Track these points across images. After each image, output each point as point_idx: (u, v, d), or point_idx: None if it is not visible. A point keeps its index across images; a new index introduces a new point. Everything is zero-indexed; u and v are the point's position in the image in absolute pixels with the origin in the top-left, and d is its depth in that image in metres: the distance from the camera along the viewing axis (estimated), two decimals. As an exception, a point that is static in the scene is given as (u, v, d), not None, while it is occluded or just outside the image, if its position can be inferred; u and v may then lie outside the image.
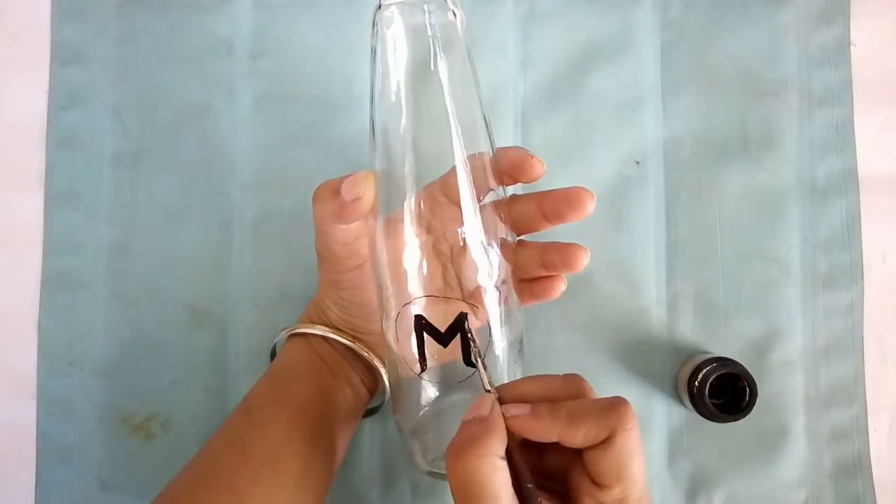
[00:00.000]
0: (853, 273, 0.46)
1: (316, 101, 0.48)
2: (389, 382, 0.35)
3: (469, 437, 0.28)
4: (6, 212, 0.48)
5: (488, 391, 0.30)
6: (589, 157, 0.47)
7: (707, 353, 0.45)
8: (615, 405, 0.28)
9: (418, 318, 0.32)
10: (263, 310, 0.46)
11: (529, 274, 0.37)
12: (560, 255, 0.36)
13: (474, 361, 0.31)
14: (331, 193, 0.33)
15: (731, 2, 0.48)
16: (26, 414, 0.46)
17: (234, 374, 0.46)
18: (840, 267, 0.46)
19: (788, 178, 0.47)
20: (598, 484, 0.28)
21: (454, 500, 0.28)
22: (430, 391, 0.33)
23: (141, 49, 0.48)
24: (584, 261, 0.35)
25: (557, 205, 0.35)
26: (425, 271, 0.32)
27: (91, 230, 0.47)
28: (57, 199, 0.47)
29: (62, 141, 0.48)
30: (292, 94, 0.48)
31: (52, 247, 0.47)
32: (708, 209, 0.47)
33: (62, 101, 0.48)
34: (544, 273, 0.37)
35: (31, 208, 0.47)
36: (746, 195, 0.47)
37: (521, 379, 0.32)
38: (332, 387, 0.39)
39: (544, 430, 0.28)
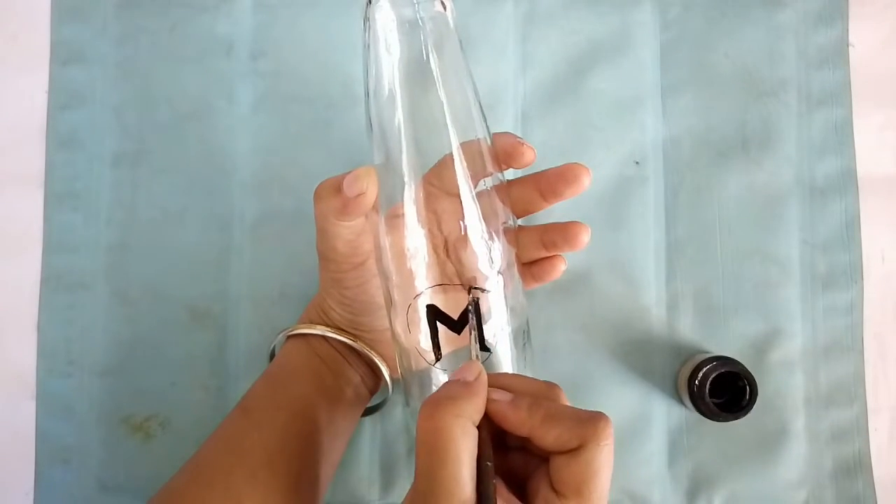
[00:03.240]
0: (852, 273, 0.46)
1: (316, 101, 0.48)
2: (402, 374, 0.35)
3: (449, 395, 0.28)
4: (6, 212, 0.47)
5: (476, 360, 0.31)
6: (589, 156, 0.47)
7: (707, 352, 0.45)
8: (595, 417, 0.28)
9: (430, 307, 0.32)
10: (263, 310, 0.46)
11: (529, 256, 0.37)
12: (561, 233, 0.36)
13: (469, 332, 0.31)
14: (333, 191, 0.33)
15: (730, 3, 0.48)
16: (25, 414, 0.46)
17: (233, 374, 0.46)
18: (839, 267, 0.46)
19: (788, 178, 0.47)
20: (557, 492, 0.27)
21: (417, 454, 0.27)
22: (444, 379, 0.33)
23: (141, 49, 0.48)
24: (585, 237, 0.36)
25: (554, 182, 0.35)
26: (430, 262, 0.32)
27: (91, 230, 0.47)
28: (57, 199, 0.47)
29: (62, 141, 0.48)
30: (292, 94, 0.48)
31: (52, 247, 0.47)
32: (707, 209, 0.47)
33: (62, 101, 0.48)
34: (545, 254, 0.37)
35: (31, 208, 0.47)
36: (746, 195, 0.47)
37: (506, 373, 0.32)
38: (331, 387, 0.39)
39: (519, 422, 0.28)
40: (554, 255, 0.37)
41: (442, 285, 0.32)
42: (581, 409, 0.29)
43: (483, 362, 0.32)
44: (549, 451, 0.28)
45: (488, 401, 0.29)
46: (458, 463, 0.26)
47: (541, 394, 0.30)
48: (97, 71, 0.48)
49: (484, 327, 0.32)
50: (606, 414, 0.28)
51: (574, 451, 0.27)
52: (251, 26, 0.48)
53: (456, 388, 0.28)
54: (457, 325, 0.32)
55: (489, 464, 0.27)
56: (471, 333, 0.31)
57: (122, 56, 0.48)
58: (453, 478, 0.26)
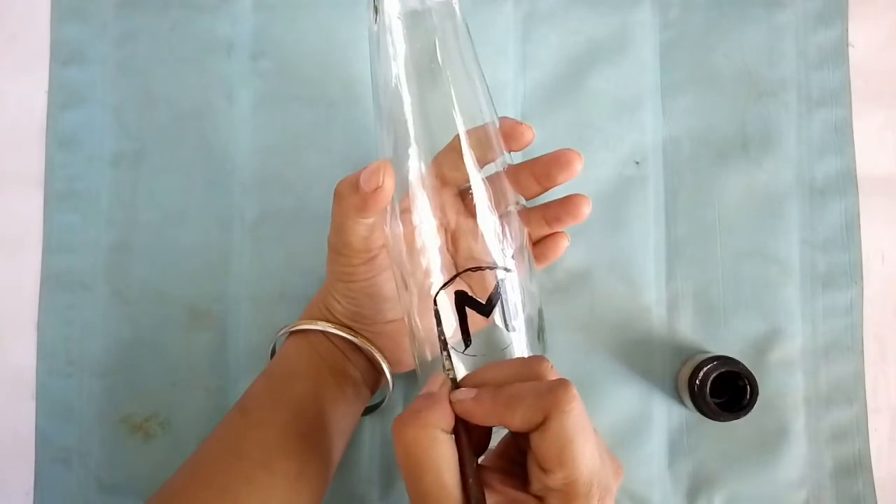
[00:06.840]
0: (852, 273, 0.46)
1: (316, 101, 0.48)
2: (418, 367, 0.35)
3: (414, 409, 0.28)
4: (6, 212, 0.47)
5: (448, 370, 0.31)
6: (589, 156, 0.46)
7: (707, 352, 0.45)
8: (554, 386, 0.28)
9: (460, 293, 0.32)
10: (263, 309, 0.46)
11: (534, 235, 0.38)
12: (564, 207, 0.37)
13: (438, 337, 0.31)
14: (352, 188, 0.33)
15: (729, 3, 0.48)
16: (25, 414, 0.46)
17: (234, 374, 0.46)
18: (839, 267, 0.46)
19: (787, 178, 0.47)
20: (544, 470, 0.28)
21: (401, 473, 0.28)
22: (462, 371, 0.33)
23: (141, 49, 0.48)
24: (586, 208, 0.37)
25: (547, 166, 0.36)
26: (445, 250, 0.33)
27: (91, 230, 0.47)
28: (57, 199, 0.47)
29: (62, 141, 0.48)
30: (292, 94, 0.48)
31: (52, 247, 0.47)
32: (707, 209, 0.47)
33: (62, 100, 0.48)
34: (547, 231, 0.38)
35: (31, 208, 0.47)
36: (746, 195, 0.47)
37: (488, 364, 0.32)
38: (331, 385, 0.39)
39: (486, 414, 0.28)
40: (557, 233, 0.38)
41: (467, 270, 0.32)
42: (541, 382, 0.29)
43: (509, 346, 0.32)
44: (523, 432, 0.28)
45: (454, 402, 0.29)
46: (435, 471, 0.27)
47: (513, 376, 0.30)
48: (97, 71, 0.48)
49: (437, 324, 0.32)
50: (568, 380, 0.28)
51: (542, 425, 0.27)
52: (251, 26, 0.48)
53: (419, 402, 0.29)
54: (485, 309, 0.32)
55: (467, 460, 0.28)
56: (440, 338, 0.31)
57: (122, 56, 0.48)
58: (436, 486, 0.27)
